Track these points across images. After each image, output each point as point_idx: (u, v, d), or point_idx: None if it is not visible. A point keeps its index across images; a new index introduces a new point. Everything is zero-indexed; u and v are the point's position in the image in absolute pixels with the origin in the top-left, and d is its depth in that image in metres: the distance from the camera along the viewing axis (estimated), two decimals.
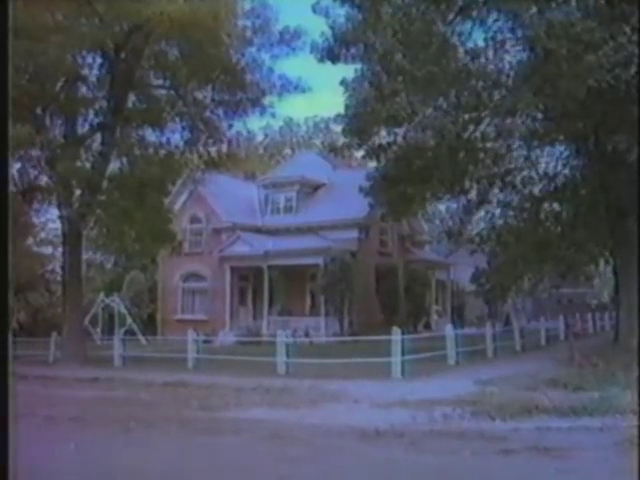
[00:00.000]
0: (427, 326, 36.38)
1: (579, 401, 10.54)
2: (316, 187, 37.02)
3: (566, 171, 20.48)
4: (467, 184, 18.95)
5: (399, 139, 18.43)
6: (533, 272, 21.15)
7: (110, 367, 19.85)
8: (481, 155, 18.10)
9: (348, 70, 19.27)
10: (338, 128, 56.17)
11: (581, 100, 15.48)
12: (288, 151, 55.12)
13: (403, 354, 16.28)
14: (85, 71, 20.77)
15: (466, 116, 16.69)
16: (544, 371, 15.92)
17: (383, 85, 15.95)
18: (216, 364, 19.08)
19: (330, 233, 33.09)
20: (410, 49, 16.09)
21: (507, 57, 17.25)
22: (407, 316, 34.84)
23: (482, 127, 17.49)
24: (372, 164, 35.87)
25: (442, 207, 52.52)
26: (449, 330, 19.22)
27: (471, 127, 16.75)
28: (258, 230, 34.77)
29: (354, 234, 33.29)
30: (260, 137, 53.55)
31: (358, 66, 19.51)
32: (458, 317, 40.07)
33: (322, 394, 12.94)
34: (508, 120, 16.73)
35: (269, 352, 19.90)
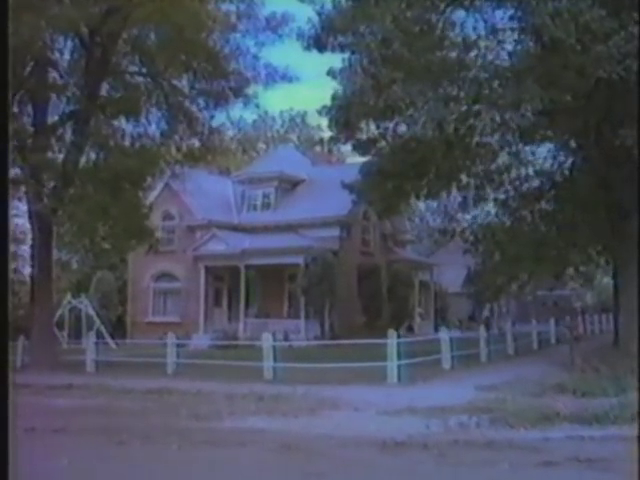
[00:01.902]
0: (410, 329, 36.26)
1: (597, 408, 10.37)
2: (295, 183, 36.67)
3: (564, 168, 20.42)
4: (464, 180, 18.74)
5: (400, 130, 18.15)
6: (529, 272, 21.01)
7: (83, 373, 19.25)
8: (478, 150, 17.88)
9: (332, 59, 19.01)
10: (315, 122, 56.11)
11: (587, 93, 15.41)
12: (262, 146, 54.63)
13: (399, 358, 16.05)
14: (56, 55, 20.07)
15: (464, 108, 16.41)
16: (546, 376, 15.82)
17: (380, 74, 15.60)
18: (196, 369, 18.67)
19: (310, 231, 32.76)
20: (408, 36, 15.82)
21: (507, 47, 17.09)
22: (390, 318, 34.67)
23: (481, 120, 17.25)
24: (353, 159, 35.83)
25: (422, 205, 52.88)
26: (444, 334, 19.04)
27: (471, 120, 16.48)
28: (234, 228, 34.29)
29: (335, 232, 33.01)
30: (232, 131, 52.89)
31: (345, 55, 19.41)
32: (441, 320, 40.07)
33: (319, 401, 12.62)
34: (507, 115, 16.51)
35: (248, 356, 19.70)
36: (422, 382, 15.54)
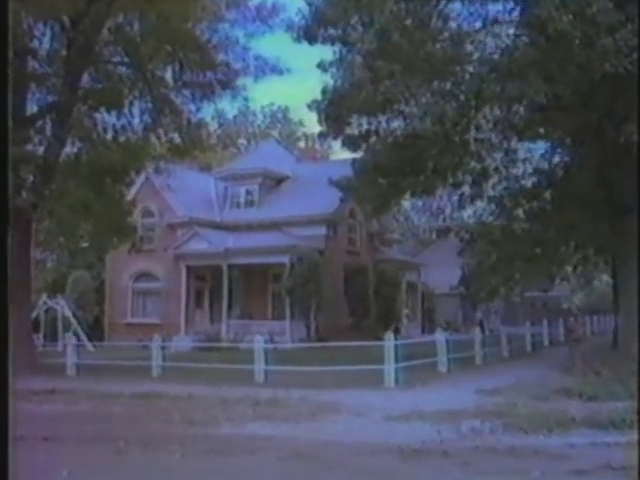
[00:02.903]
0: (396, 331, 36.09)
1: (611, 412, 10.25)
2: (279, 180, 36.40)
3: (561, 165, 20.39)
4: (460, 177, 18.61)
5: (392, 125, 17.99)
6: (525, 273, 20.98)
7: (63, 377, 18.81)
8: (477, 146, 17.77)
9: (323, 52, 18.80)
10: (297, 117, 55.88)
11: (591, 87, 15.36)
12: (243, 142, 54.20)
13: (397, 361, 15.88)
14: (35, 43, 19.56)
15: (464, 102, 16.30)
16: (548, 379, 15.80)
17: (379, 66, 15.40)
18: (182, 372, 18.35)
19: (295, 230, 32.52)
20: (408, 28, 15.67)
21: (508, 41, 16.98)
22: (377, 320, 34.53)
23: (481, 115, 17.16)
24: (338, 156, 35.37)
25: (407, 204, 52.85)
26: (440, 336, 18.90)
27: (471, 114, 16.37)
28: (217, 226, 33.93)
29: (321, 231, 32.80)
30: (212, 126, 52.46)
31: (336, 48, 19.21)
32: (428, 321, 40.06)
33: (317, 406, 12.42)
34: (508, 109, 16.44)
35: (234, 359, 19.49)
36: (420, 386, 15.40)
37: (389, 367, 15.70)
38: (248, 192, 35.30)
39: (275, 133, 52.99)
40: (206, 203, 35.51)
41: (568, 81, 14.74)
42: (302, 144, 48.43)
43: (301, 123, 52.86)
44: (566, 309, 45.14)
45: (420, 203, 52.14)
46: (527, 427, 9.45)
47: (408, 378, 15.63)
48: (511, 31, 17.07)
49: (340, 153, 44.96)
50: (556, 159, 20.90)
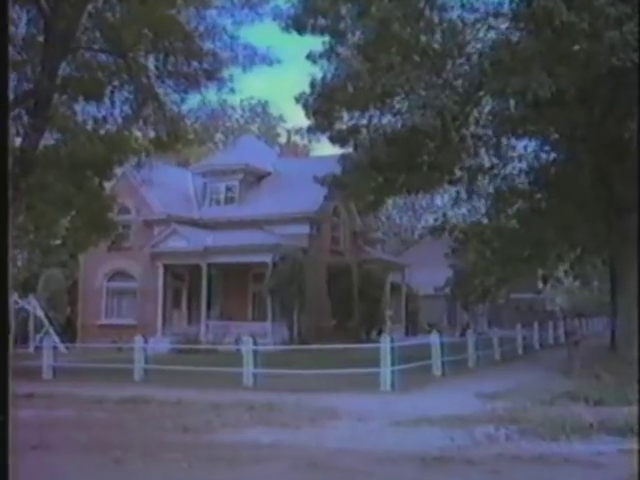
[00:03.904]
0: (380, 333, 35.90)
1: (627, 418, 10.12)
2: (261, 176, 36.05)
3: (559, 163, 20.34)
4: (458, 173, 18.47)
5: (385, 120, 17.80)
6: (520, 273, 20.92)
7: (39, 380, 18.33)
8: (474, 141, 17.66)
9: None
10: (276, 112, 55.44)
11: (595, 82, 15.29)
12: (220, 136, 53.64)
13: (393, 364, 15.67)
14: (10, 28, 19.01)
15: (465, 96, 16.15)
16: (548, 383, 15.71)
17: (378, 57, 15.17)
18: (165, 376, 18.01)
19: (277, 228, 32.26)
20: (408, 18, 15.47)
21: (508, 32, 16.85)
22: (361, 322, 34.40)
23: (478, 110, 17.04)
24: (320, 152, 35.02)
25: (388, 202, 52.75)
26: (434, 338, 18.74)
27: (469, 109, 16.23)
28: (195, 223, 33.52)
29: (305, 229, 32.57)
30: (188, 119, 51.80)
31: (326, 39, 18.96)
32: (412, 323, 39.98)
33: (315, 410, 12.15)
34: (510, 103, 16.31)
35: (216, 361, 19.17)
36: (417, 390, 15.28)
37: (385, 370, 15.49)
38: (228, 188, 34.92)
39: (254, 128, 52.56)
40: (184, 200, 35.06)
41: (574, 75, 14.64)
42: (282, 140, 48.09)
43: (281, 118, 52.57)
44: (550, 311, 45.41)
45: (402, 202, 52.06)
46: (544, 433, 9.28)
47: (403, 382, 15.45)
48: (513, 23, 16.90)
49: (322, 149, 44.79)
50: (553, 156, 20.84)
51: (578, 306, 44.56)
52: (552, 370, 18.69)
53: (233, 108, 53.51)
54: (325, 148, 44.48)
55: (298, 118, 69.77)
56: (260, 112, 54.40)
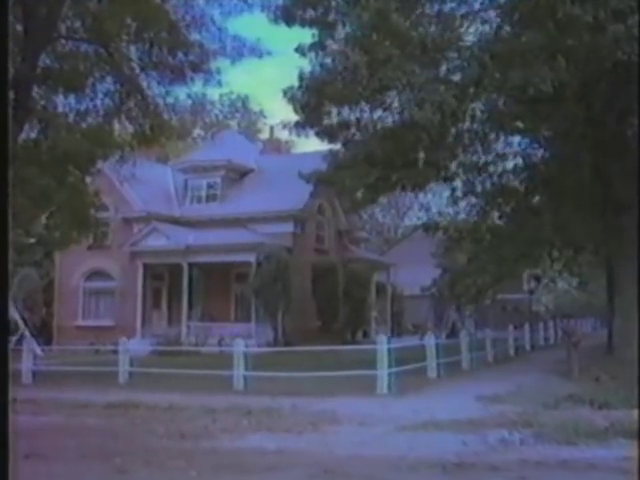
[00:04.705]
0: (365, 335, 35.83)
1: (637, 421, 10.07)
2: (243, 173, 35.73)
3: (556, 160, 20.32)
4: (454, 169, 18.36)
5: (377, 115, 17.65)
6: (515, 273, 20.90)
7: (19, 384, 17.80)
8: (469, 137, 17.56)
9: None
10: (257, 107, 55.04)
11: (597, 76, 15.28)
12: (199, 132, 53.14)
13: (390, 366, 15.51)
14: None
15: (463, 90, 16.02)
16: (549, 385, 15.68)
17: (376, 49, 14.99)
18: (151, 379, 17.71)
19: (260, 226, 31.98)
20: (405, 9, 15.34)
21: (507, 26, 16.79)
22: (346, 322, 34.24)
23: (475, 105, 16.94)
24: (302, 148, 34.72)
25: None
26: (429, 339, 18.62)
27: (466, 103, 16.10)
28: (176, 221, 33.13)
29: (289, 228, 32.33)
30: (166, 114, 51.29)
31: (315, 31, 18.77)
32: (397, 324, 39.91)
33: (314, 415, 11.97)
34: (510, 98, 16.24)
35: (201, 364, 19.16)
36: (414, 393, 15.11)
37: (382, 373, 15.30)
38: (210, 185, 34.56)
39: (233, 123, 52.13)
40: (165, 197, 34.65)
41: (576, 69, 14.59)
42: (263, 135, 47.73)
43: (262, 113, 52.21)
44: (536, 312, 45.42)
45: (385, 200, 51.97)
46: (558, 437, 9.17)
47: (399, 384, 15.30)
48: (516, 16, 16.80)
49: (304, 145, 44.56)
50: (549, 153, 20.82)
51: (564, 307, 44.67)
52: (548, 372, 18.68)
53: (212, 103, 53.21)
54: (308, 144, 44.22)
55: (279, 113, 69.41)
56: (240, 107, 54.00)
